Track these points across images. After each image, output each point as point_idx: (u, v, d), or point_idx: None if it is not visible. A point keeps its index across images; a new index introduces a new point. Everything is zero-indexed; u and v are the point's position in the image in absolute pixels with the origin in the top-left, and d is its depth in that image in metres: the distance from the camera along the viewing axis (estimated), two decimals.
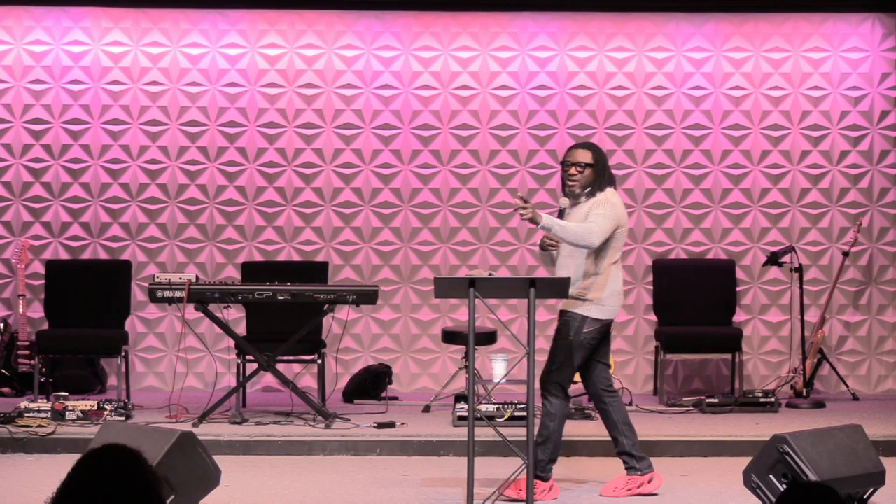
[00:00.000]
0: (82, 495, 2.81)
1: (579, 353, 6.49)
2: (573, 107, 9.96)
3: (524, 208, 6.26)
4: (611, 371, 6.79)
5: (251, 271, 9.20)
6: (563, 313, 6.53)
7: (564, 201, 6.54)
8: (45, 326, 9.27)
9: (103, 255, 9.81)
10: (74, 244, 9.85)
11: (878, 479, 6.07)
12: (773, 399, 8.76)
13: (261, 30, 9.92)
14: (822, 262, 9.96)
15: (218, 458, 6.00)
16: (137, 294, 9.61)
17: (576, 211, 6.52)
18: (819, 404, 9.03)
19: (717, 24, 9.99)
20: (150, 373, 9.83)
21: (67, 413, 7.99)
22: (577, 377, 8.88)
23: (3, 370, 9.28)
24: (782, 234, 9.95)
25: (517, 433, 6.65)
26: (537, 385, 6.40)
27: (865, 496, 6.09)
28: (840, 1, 9.98)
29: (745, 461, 6.09)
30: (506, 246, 9.95)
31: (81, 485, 2.83)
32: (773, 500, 5.76)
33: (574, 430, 8.00)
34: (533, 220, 6.29)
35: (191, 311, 8.13)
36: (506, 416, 7.88)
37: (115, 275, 9.32)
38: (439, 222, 9.95)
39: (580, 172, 6.50)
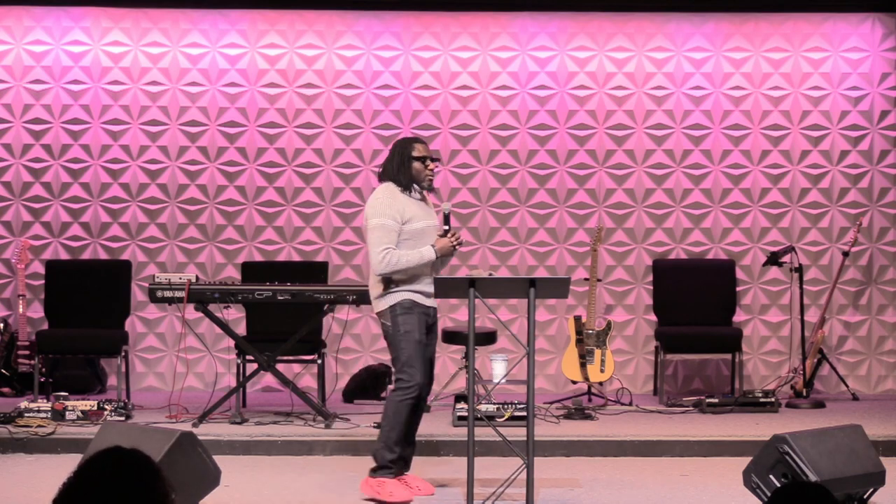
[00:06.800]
0: (91, 495, 2.77)
1: None
2: (573, 107, 9.96)
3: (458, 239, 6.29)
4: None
5: (251, 271, 9.20)
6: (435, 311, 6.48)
7: (447, 205, 6.38)
8: (45, 326, 9.27)
9: (103, 255, 9.81)
10: (74, 244, 9.85)
11: (878, 479, 6.07)
12: (773, 399, 8.76)
13: (261, 30, 9.92)
14: (822, 262, 9.95)
15: (218, 458, 6.00)
16: (137, 294, 9.61)
17: (429, 208, 6.44)
18: (819, 404, 9.02)
19: (717, 24, 9.99)
20: (150, 373, 9.83)
21: (67, 413, 7.99)
22: (575, 377, 8.95)
23: (3, 370, 9.28)
24: (782, 234, 9.95)
25: (517, 433, 6.65)
26: (537, 385, 6.40)
27: (865, 496, 6.09)
28: (840, 1, 9.98)
29: (745, 461, 6.09)
30: (506, 246, 9.95)
31: (91, 485, 2.79)
32: None
33: (574, 430, 8.00)
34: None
35: (191, 311, 8.12)
36: (506, 416, 7.88)
37: (115, 275, 9.31)
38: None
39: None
